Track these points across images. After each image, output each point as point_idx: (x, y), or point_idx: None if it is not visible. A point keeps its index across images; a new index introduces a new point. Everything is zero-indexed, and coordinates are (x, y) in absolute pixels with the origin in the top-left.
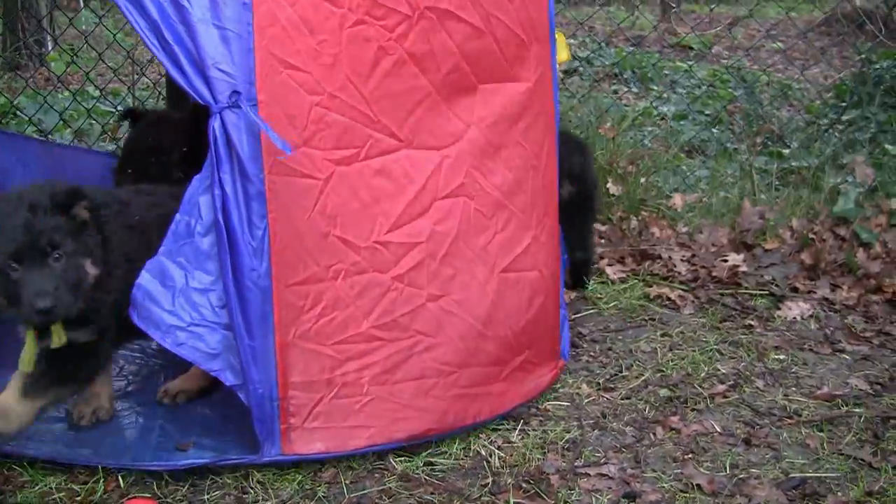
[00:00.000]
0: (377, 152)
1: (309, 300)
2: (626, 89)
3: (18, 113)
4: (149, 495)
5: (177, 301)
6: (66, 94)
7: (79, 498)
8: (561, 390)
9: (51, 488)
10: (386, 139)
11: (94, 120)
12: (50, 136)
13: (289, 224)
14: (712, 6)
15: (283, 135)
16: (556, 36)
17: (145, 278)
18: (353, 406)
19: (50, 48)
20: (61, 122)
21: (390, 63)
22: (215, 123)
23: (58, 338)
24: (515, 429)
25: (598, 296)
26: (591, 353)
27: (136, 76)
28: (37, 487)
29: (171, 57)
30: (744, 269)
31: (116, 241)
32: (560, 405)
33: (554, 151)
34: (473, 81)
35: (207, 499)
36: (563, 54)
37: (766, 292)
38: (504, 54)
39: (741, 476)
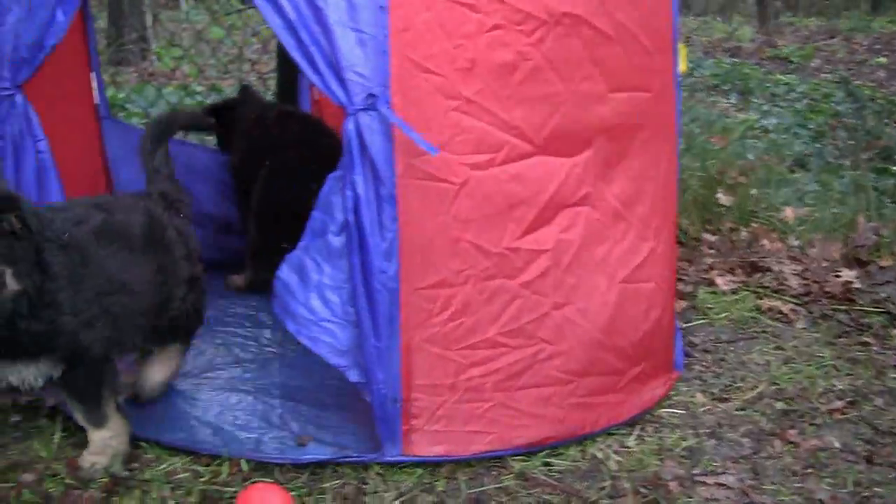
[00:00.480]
0: (513, 158)
1: (437, 304)
2: (725, 101)
3: (126, 106)
4: (271, 480)
5: (311, 295)
6: (170, 88)
7: (203, 479)
8: (675, 398)
9: (175, 468)
10: (522, 145)
11: None
12: None
13: (419, 228)
14: (811, 18)
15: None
16: (679, 46)
17: (284, 271)
18: (474, 411)
19: (153, 44)
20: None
21: (528, 68)
22: (350, 125)
23: None
24: (631, 434)
25: (709, 306)
26: (704, 364)
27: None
28: (162, 467)
29: (306, 57)
30: (858, 285)
31: (52, 257)
32: (675, 413)
33: (674, 162)
34: (603, 89)
35: (327, 487)
36: (682, 65)
37: (882, 310)
38: (631, 63)
39: (865, 494)
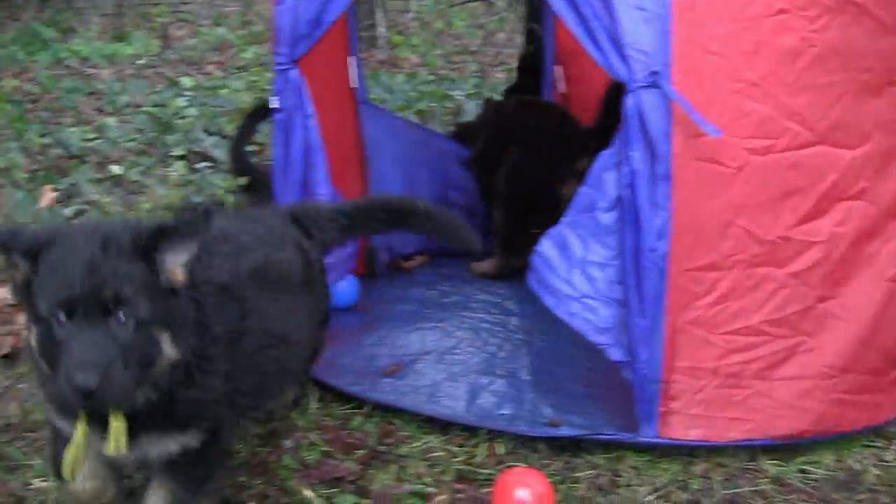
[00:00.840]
0: (794, 145)
1: (704, 286)
2: None
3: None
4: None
5: (573, 272)
6: (402, 77)
7: (458, 459)
8: None
9: (430, 446)
10: (804, 132)
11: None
12: None
13: (692, 209)
14: None
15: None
16: None
17: (545, 246)
18: (733, 397)
19: (383, 31)
20: (404, 103)
21: (812, 55)
22: (630, 102)
23: (114, 441)
24: (888, 447)
25: None
26: None
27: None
28: (417, 444)
29: (588, 33)
30: None
31: (211, 311)
32: None
33: None
34: (882, 81)
35: (581, 476)
36: None
37: None
38: None
39: None
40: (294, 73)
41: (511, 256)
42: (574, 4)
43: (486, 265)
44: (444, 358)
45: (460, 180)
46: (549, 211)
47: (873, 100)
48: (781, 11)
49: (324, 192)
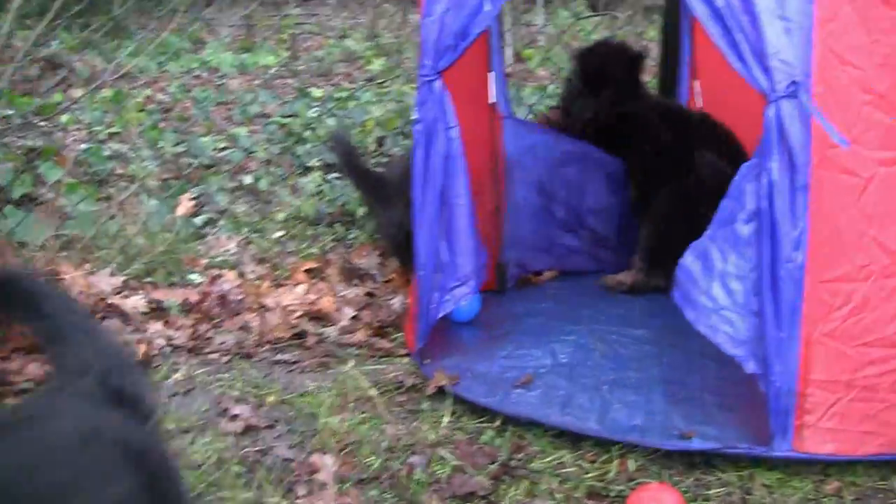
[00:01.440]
0: None
1: (839, 298)
2: None
3: None
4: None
5: (714, 284)
6: (528, 89)
7: (589, 475)
8: None
9: (563, 461)
10: None
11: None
12: None
13: (829, 220)
14: None
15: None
16: None
17: (688, 259)
18: (868, 411)
19: (510, 53)
20: (531, 116)
21: None
22: (770, 112)
23: None
24: None
25: None
26: None
27: None
28: (548, 459)
29: (732, 45)
30: None
31: None
32: None
33: None
34: None
35: (712, 494)
36: None
37: None
38: None
39: None
40: (438, 84)
41: (652, 274)
42: (720, 16)
43: (623, 276)
44: (576, 370)
45: (595, 201)
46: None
47: None
48: None
49: (464, 202)
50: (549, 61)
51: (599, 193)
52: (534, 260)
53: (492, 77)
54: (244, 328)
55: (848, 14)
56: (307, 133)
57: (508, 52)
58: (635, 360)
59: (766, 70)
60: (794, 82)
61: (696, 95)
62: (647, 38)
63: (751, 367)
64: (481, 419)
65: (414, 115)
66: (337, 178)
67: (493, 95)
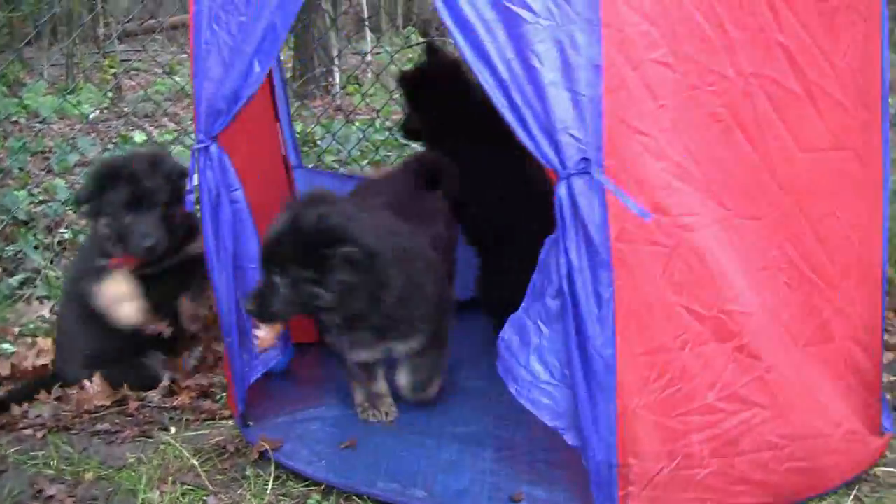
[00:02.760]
0: (714, 220)
1: (656, 370)
2: None
3: (318, 143)
4: None
5: (532, 357)
6: (355, 126)
7: None
8: (890, 456)
9: None
10: (716, 207)
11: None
12: (349, 167)
13: (636, 292)
14: None
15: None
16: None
17: (507, 332)
18: (692, 478)
19: (337, 80)
20: (359, 153)
21: (719, 129)
22: (561, 190)
23: None
24: (849, 496)
25: None
26: None
27: None
28: None
29: (519, 119)
30: None
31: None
32: (891, 472)
33: (879, 224)
34: (793, 150)
35: None
36: None
37: None
38: (825, 122)
39: None
40: (214, 149)
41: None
42: (504, 88)
43: None
44: (403, 426)
45: None
46: None
47: (784, 167)
48: (692, 87)
49: (256, 265)
50: (376, 95)
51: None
52: None
53: (280, 129)
54: (62, 398)
55: (633, 81)
56: None
57: (337, 84)
58: (464, 414)
59: (556, 146)
60: (584, 158)
61: None
62: None
63: (571, 439)
64: (307, 483)
65: (189, 186)
66: None
67: (284, 147)
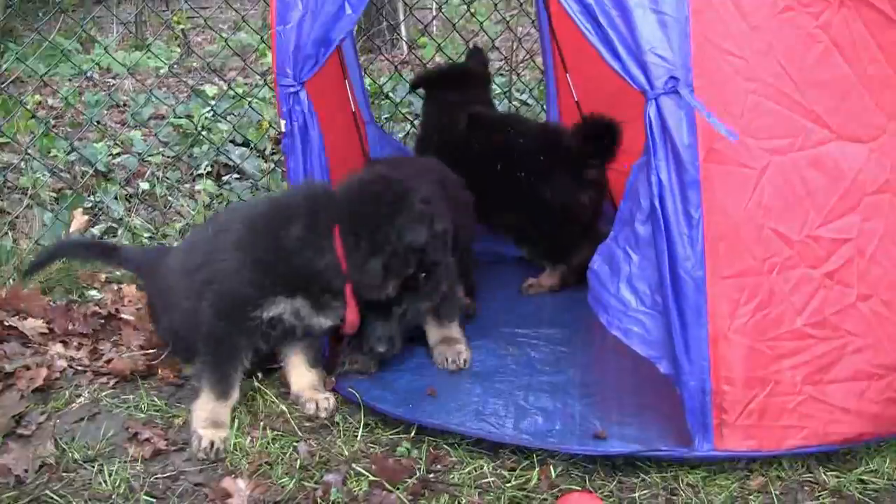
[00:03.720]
0: (811, 143)
1: (744, 294)
2: None
3: (389, 95)
4: (588, 489)
5: (622, 286)
6: None
7: (510, 484)
8: None
9: (482, 471)
10: (819, 130)
11: None
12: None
13: (724, 214)
14: None
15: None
16: None
17: (596, 262)
18: (786, 405)
19: (404, 34)
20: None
21: (819, 51)
22: (650, 110)
23: None
24: None
25: None
26: None
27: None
28: (467, 470)
29: (605, 41)
30: None
31: None
32: None
33: None
34: (890, 73)
35: (637, 497)
36: None
37: None
38: None
39: None
40: (303, 95)
41: (564, 267)
42: (591, 14)
43: (545, 280)
44: (489, 376)
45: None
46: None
47: (885, 91)
48: (788, 9)
49: None
50: (444, 49)
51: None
52: None
53: (349, 85)
54: (145, 343)
55: (723, 2)
56: (203, 133)
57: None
58: (549, 364)
59: (643, 66)
60: (672, 77)
61: (572, 88)
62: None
63: (665, 367)
64: (396, 430)
65: (285, 127)
66: (237, 180)
67: (353, 104)
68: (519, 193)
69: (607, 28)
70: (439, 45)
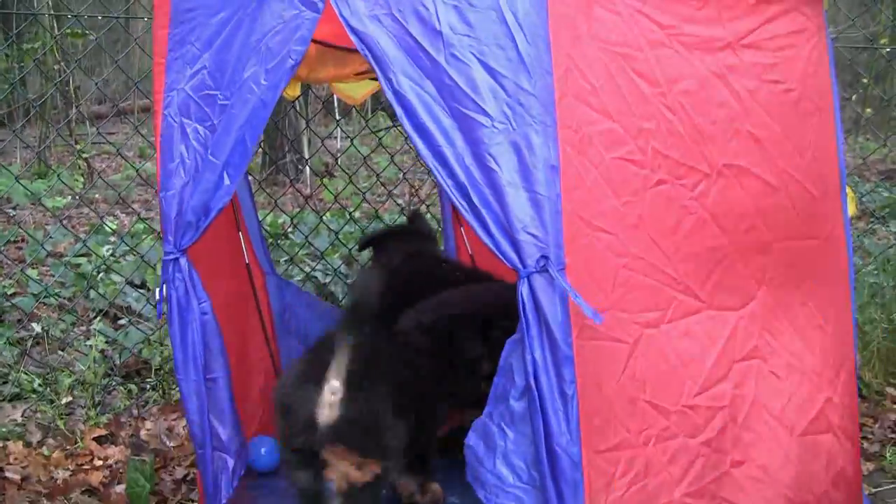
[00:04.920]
0: (681, 314)
1: (620, 467)
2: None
3: (289, 235)
4: None
5: (498, 462)
6: (329, 215)
7: None
8: None
9: None
10: (689, 300)
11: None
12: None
13: (597, 390)
14: None
15: (590, 298)
16: (847, 190)
17: (472, 438)
18: None
19: (308, 170)
20: (330, 247)
21: (691, 222)
22: (523, 289)
23: None
24: None
25: None
26: None
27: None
28: None
29: (478, 219)
30: None
31: None
32: None
33: (848, 310)
34: (768, 240)
35: None
36: (851, 208)
37: None
38: (797, 211)
39: None
40: (184, 262)
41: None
42: (464, 192)
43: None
44: None
45: None
46: None
47: (758, 257)
48: (660, 182)
49: (221, 375)
50: (349, 187)
51: None
52: None
53: (242, 237)
54: None
55: (595, 179)
56: (101, 275)
57: (308, 175)
58: None
59: (515, 245)
60: (544, 256)
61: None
62: None
63: None
64: None
65: (158, 296)
66: (132, 325)
67: (247, 256)
68: None
69: (480, 207)
70: (350, 177)
